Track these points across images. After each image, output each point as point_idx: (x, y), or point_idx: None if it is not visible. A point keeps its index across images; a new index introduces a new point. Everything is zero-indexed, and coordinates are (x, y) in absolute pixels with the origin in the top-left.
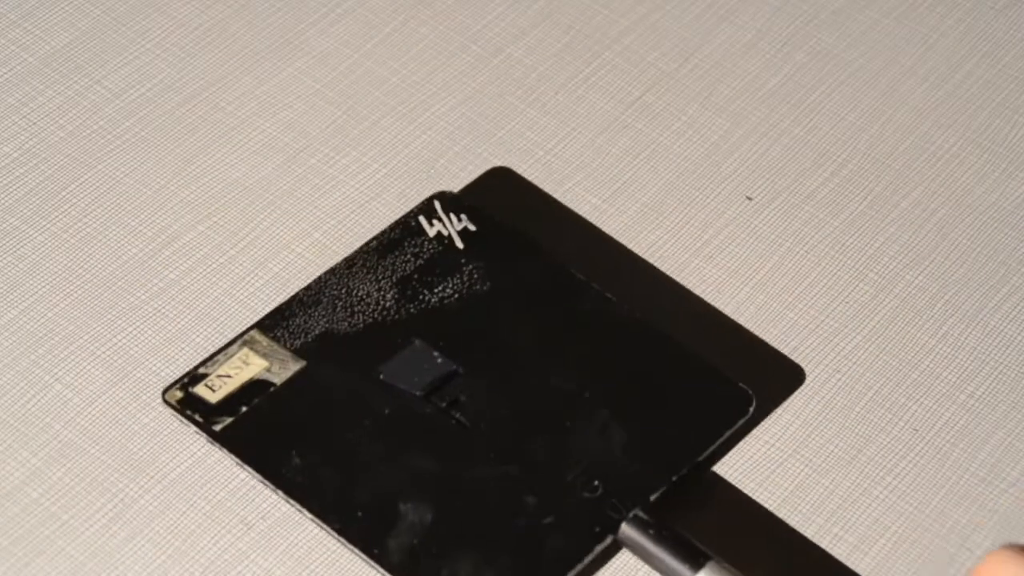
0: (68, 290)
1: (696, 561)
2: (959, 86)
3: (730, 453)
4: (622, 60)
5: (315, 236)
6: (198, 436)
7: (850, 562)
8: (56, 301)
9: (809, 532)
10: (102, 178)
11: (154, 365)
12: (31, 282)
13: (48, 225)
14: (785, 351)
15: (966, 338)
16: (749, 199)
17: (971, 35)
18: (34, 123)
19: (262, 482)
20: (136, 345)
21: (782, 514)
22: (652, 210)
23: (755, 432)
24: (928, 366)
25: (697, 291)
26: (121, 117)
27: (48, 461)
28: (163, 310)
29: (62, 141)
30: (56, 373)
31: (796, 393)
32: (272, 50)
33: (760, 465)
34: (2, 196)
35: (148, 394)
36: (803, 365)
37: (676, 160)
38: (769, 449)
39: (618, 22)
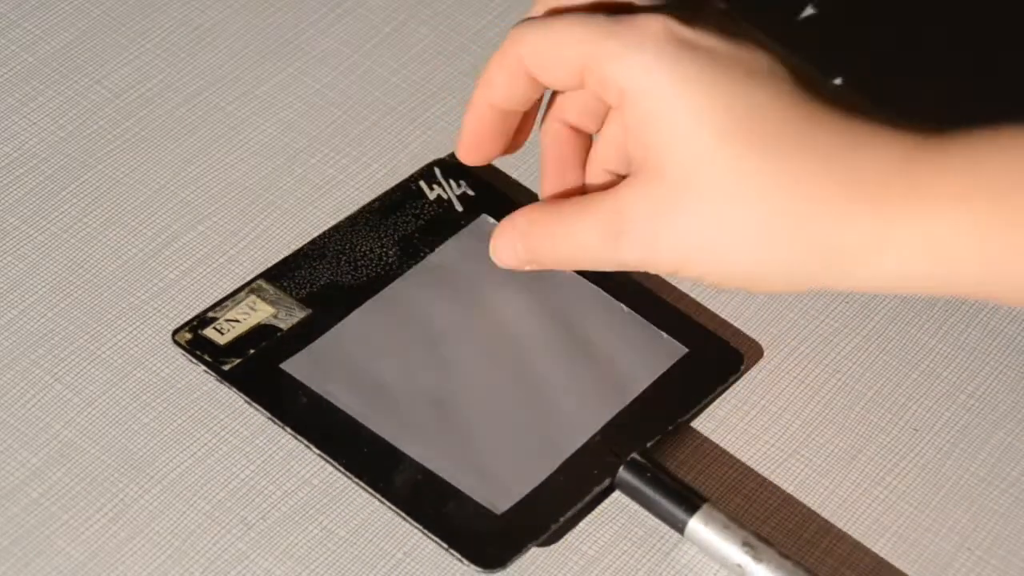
0: (68, 290)
1: (691, 504)
2: None
3: (730, 453)
4: None
5: (315, 236)
6: (198, 434)
7: (850, 562)
8: (56, 301)
9: (809, 532)
10: (102, 178)
11: (154, 365)
12: (31, 282)
13: (48, 225)
14: (784, 351)
15: (966, 338)
16: None
17: None
18: (34, 123)
19: (270, 419)
20: (136, 345)
21: (782, 515)
22: None
23: (756, 432)
24: (928, 366)
25: (692, 294)
26: (121, 117)
27: (48, 461)
28: (163, 310)
29: (62, 141)
30: (56, 373)
31: (796, 392)
32: (272, 50)
33: (760, 465)
34: (2, 196)
35: (148, 394)
36: (803, 365)
37: None
38: (769, 449)
39: None
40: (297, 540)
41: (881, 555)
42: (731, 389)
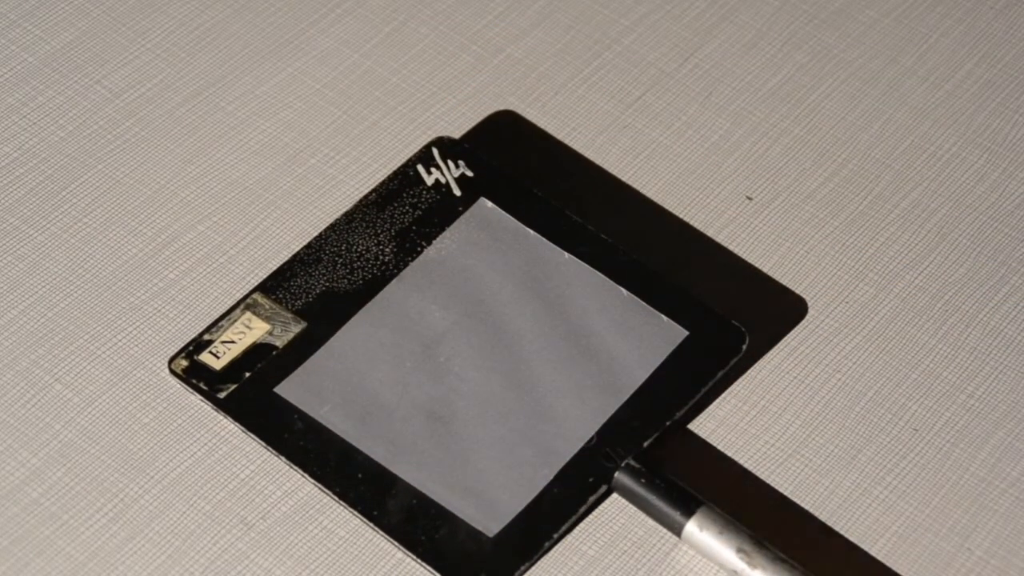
0: (68, 290)
1: (688, 507)
2: (959, 86)
3: (729, 453)
4: (622, 60)
5: (311, 239)
6: (198, 435)
7: (850, 562)
8: (56, 301)
9: (809, 533)
10: (102, 178)
11: (154, 365)
12: (31, 282)
13: (48, 225)
14: (785, 351)
15: (966, 338)
16: (749, 199)
17: (971, 35)
18: (34, 123)
19: (266, 448)
20: (136, 345)
21: (781, 515)
22: (652, 210)
23: (755, 432)
24: (928, 366)
25: (695, 277)
26: (121, 117)
27: (48, 461)
28: (163, 310)
29: (62, 141)
30: (56, 373)
31: (796, 392)
32: (272, 50)
33: (760, 465)
34: (2, 196)
35: (148, 394)
36: (803, 365)
37: (676, 160)
38: (769, 449)
39: (618, 22)
40: (297, 540)
41: (881, 555)
42: (731, 389)
